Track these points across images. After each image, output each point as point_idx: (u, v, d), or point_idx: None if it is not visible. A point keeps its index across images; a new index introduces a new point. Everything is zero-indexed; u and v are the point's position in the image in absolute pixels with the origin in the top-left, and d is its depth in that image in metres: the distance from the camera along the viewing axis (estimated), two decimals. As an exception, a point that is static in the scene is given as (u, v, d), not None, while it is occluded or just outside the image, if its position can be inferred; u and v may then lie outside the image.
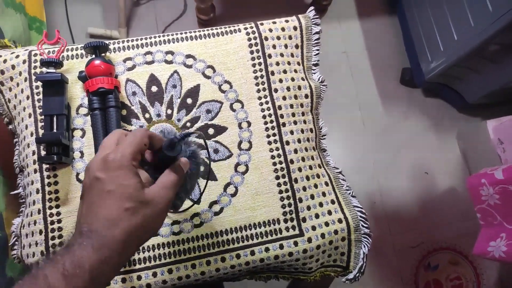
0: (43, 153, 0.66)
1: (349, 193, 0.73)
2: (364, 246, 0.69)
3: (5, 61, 0.70)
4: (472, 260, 1.46)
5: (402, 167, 1.54)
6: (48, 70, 0.65)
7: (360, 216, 0.70)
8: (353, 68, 1.62)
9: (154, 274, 0.64)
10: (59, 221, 0.65)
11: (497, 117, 1.33)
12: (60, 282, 0.31)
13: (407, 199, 1.51)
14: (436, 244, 1.47)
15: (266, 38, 0.74)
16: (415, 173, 1.54)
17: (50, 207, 0.65)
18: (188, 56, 0.72)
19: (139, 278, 0.63)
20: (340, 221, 0.69)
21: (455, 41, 1.26)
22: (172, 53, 0.72)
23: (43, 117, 0.66)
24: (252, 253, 0.65)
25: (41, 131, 0.67)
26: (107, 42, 0.69)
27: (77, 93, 0.70)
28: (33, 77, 0.69)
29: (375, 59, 1.64)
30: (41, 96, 0.68)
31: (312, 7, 0.78)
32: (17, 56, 0.70)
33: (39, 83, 0.69)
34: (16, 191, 0.73)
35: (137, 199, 0.37)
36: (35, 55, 0.70)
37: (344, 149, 1.55)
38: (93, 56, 0.67)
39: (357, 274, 0.69)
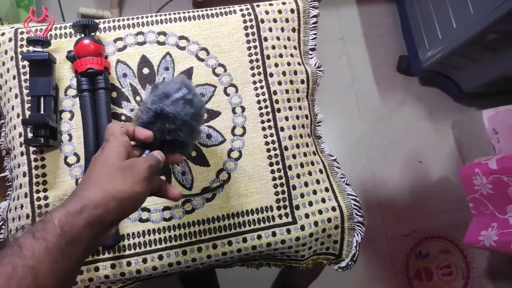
0: (30, 135, 0.64)
1: (344, 181, 0.72)
2: (358, 235, 0.68)
3: (-10, 38, 0.67)
4: (463, 248, 1.47)
5: (396, 155, 1.54)
6: (35, 49, 0.62)
7: (354, 205, 0.69)
8: (349, 55, 1.60)
9: (144, 260, 0.63)
10: (46, 206, 0.63)
11: (492, 107, 1.32)
12: (30, 240, 0.32)
13: (400, 188, 1.52)
14: (427, 233, 1.48)
15: (262, 21, 0.72)
16: (409, 161, 1.54)
17: (38, 191, 0.63)
18: (181, 37, 0.70)
19: (128, 264, 0.62)
20: (333, 209, 0.68)
21: (454, 29, 1.24)
22: (164, 34, 0.70)
23: (30, 98, 0.63)
24: (244, 240, 0.64)
25: (27, 113, 0.65)
26: (97, 21, 0.66)
27: (65, 74, 0.67)
28: (20, 56, 0.66)
29: (372, 46, 1.62)
30: (28, 76, 0.66)
31: (310, -11, 0.76)
32: (3, 34, 0.68)
33: (26, 63, 0.66)
34: (2, 174, 0.71)
35: (114, 165, 0.41)
36: (22, 33, 0.68)
37: (338, 137, 1.54)
38: (82, 35, 0.65)
39: (350, 262, 0.68)
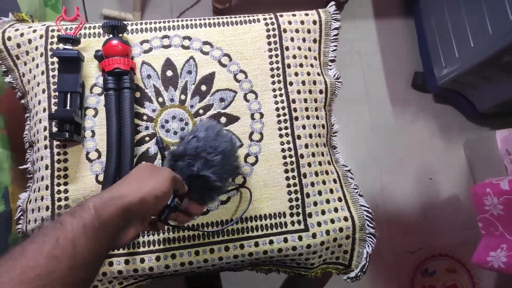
0: (54, 129, 0.66)
1: (357, 192, 0.73)
2: (368, 246, 0.69)
3: (22, 34, 0.70)
4: (470, 268, 1.46)
5: (407, 171, 1.54)
6: (65, 47, 0.65)
7: (366, 216, 0.70)
8: (365, 68, 1.61)
9: (158, 258, 0.64)
10: (66, 199, 0.65)
11: (506, 127, 1.32)
12: (69, 218, 0.37)
13: (409, 203, 1.51)
14: (434, 251, 1.47)
15: (285, 30, 0.73)
16: (419, 178, 1.54)
17: (58, 184, 0.65)
18: (205, 42, 0.72)
19: (142, 261, 0.63)
20: (346, 219, 0.68)
21: (471, 48, 1.25)
22: (189, 38, 0.72)
23: (56, 93, 0.66)
24: (256, 244, 0.65)
25: (53, 108, 0.67)
26: (125, 23, 0.68)
27: (92, 72, 0.69)
28: (49, 53, 0.69)
29: (388, 61, 1.62)
30: (56, 73, 0.68)
31: (333, 2, 0.78)
32: (34, 31, 0.70)
33: (55, 59, 0.68)
34: (24, 166, 0.73)
35: (146, 168, 0.49)
36: (53, 30, 0.70)
37: (350, 148, 1.54)
38: (111, 36, 0.67)
39: (359, 273, 0.69)
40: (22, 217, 0.69)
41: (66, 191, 0.65)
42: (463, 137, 1.56)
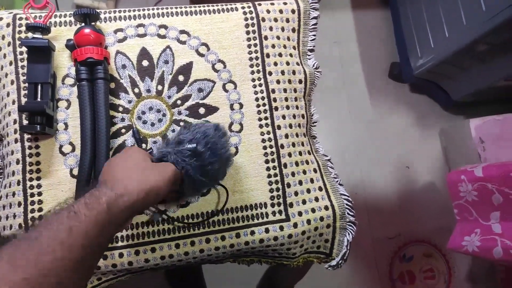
0: (25, 122, 0.63)
1: (337, 181, 0.73)
2: (349, 234, 0.69)
3: (-13, 23, 0.66)
4: (445, 253, 1.50)
5: (385, 159, 1.57)
6: (34, 36, 0.61)
7: (346, 204, 0.70)
8: (343, 59, 1.62)
9: (137, 252, 0.62)
10: (39, 194, 0.62)
11: (480, 116, 1.36)
12: (83, 208, 0.39)
13: (387, 191, 1.54)
14: (412, 237, 1.51)
15: (263, 19, 0.72)
16: (396, 166, 1.57)
17: (31, 179, 0.63)
18: (182, 31, 0.70)
19: (121, 255, 0.62)
20: (326, 208, 0.69)
21: (446, 38, 1.27)
22: (165, 27, 0.70)
23: (26, 84, 0.63)
24: (238, 235, 0.65)
25: (23, 100, 0.64)
26: (98, 11, 0.66)
27: (63, 62, 0.67)
28: (17, 42, 0.65)
29: (365, 52, 1.64)
30: (25, 63, 0.65)
31: (311, -9, 0.77)
32: (1, 19, 0.67)
33: (24, 49, 0.65)
34: (-7, 161, 0.70)
35: (145, 162, 0.50)
36: (20, 19, 0.67)
37: (329, 138, 1.56)
38: (83, 24, 0.64)
39: (340, 261, 0.69)
40: (-7, 214, 0.66)
41: (39, 186, 0.63)
42: (438, 126, 1.60)
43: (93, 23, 0.66)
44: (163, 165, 0.51)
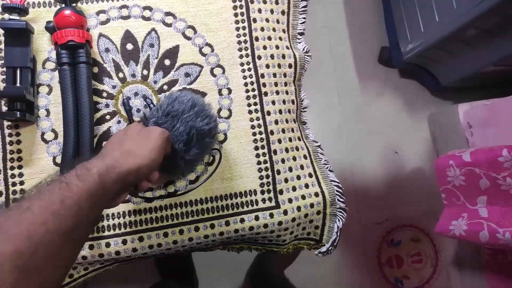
0: (4, 109, 0.61)
1: (327, 167, 0.72)
2: (339, 220, 0.69)
3: (-40, 3, 0.63)
4: (433, 237, 1.52)
5: (374, 144, 1.57)
6: (11, 17, 0.58)
7: (337, 191, 0.70)
8: (332, 43, 1.60)
9: (124, 242, 0.61)
10: (21, 183, 0.60)
11: (468, 101, 1.36)
12: (74, 179, 0.39)
13: (376, 177, 1.55)
14: (400, 221, 1.52)
15: (252, 1, 0.70)
16: (385, 151, 1.57)
17: (12, 168, 0.60)
18: (168, 13, 0.67)
19: (107, 245, 0.61)
20: (316, 194, 0.68)
21: (436, 22, 1.26)
22: (150, 8, 0.67)
23: (4, 69, 0.60)
24: (227, 223, 0.64)
25: (1, 85, 0.62)
26: (79, -9, 0.63)
27: (43, 46, 0.64)
28: (-6, 24, 0.62)
29: (355, 36, 1.62)
30: (2, 46, 0.62)
31: (301, -28, 0.75)
32: (-25, -1, 0.63)
33: (1, 31, 0.62)
34: (-28, 149, 0.67)
35: (134, 132, 0.50)
36: (-4, -1, 0.63)
37: (318, 124, 1.55)
38: (63, 5, 0.61)
39: (330, 248, 0.69)
40: (-27, 204, 0.64)
41: (21, 174, 0.60)
42: (427, 111, 1.60)
43: (73, 4, 0.63)
44: (153, 133, 0.50)
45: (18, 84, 0.59)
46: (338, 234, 0.69)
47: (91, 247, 0.60)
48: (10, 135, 0.61)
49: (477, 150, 1.08)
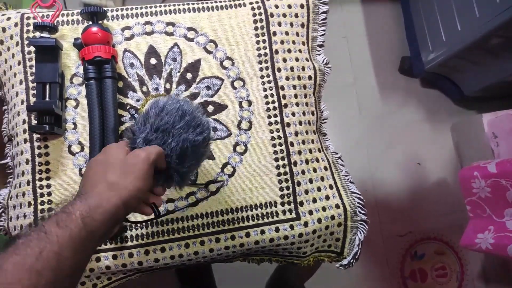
0: (34, 122, 0.63)
1: (348, 179, 0.72)
2: (360, 233, 0.68)
3: (-5, 23, 0.66)
4: (457, 250, 1.48)
5: (395, 156, 1.54)
6: (42, 35, 0.61)
7: (358, 203, 0.69)
8: (352, 54, 1.60)
9: (147, 252, 0.62)
10: (49, 194, 0.62)
11: (492, 111, 1.33)
12: (54, 228, 0.36)
13: (398, 188, 1.52)
14: (423, 234, 1.49)
15: (272, 15, 0.71)
16: (407, 162, 1.55)
17: (40, 179, 0.63)
18: (190, 28, 0.69)
19: (130, 255, 0.62)
20: (337, 206, 0.68)
21: (458, 31, 1.25)
22: (173, 24, 0.69)
23: (35, 84, 0.63)
24: (248, 235, 0.64)
25: (32, 99, 0.64)
26: (105, 8, 0.65)
27: (71, 61, 0.66)
28: (26, 42, 0.65)
29: (375, 46, 1.61)
30: (33, 62, 0.65)
31: (320, -15, 0.76)
32: (9, 18, 0.67)
33: (32, 48, 0.65)
34: (3, 161, 0.70)
35: (118, 162, 0.44)
36: (28, 18, 0.66)
37: (338, 135, 1.54)
38: (90, 22, 0.64)
39: (351, 261, 0.68)
40: (3, 214, 0.67)
41: (48, 186, 0.63)
42: (450, 121, 1.57)
43: (100, 22, 0.65)
44: (137, 159, 0.44)
45: (47, 99, 0.61)
46: (360, 247, 0.69)
47: (114, 257, 0.62)
48: (39, 147, 0.63)
49: (503, 161, 1.06)
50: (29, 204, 0.62)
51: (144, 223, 0.63)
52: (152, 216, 0.50)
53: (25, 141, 0.63)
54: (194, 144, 0.50)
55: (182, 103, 0.50)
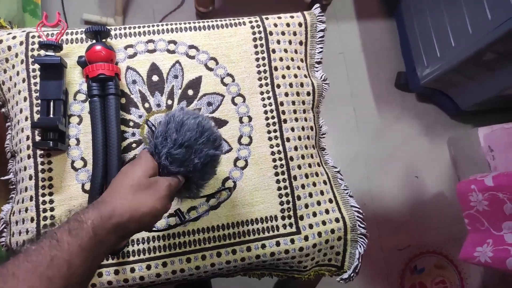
0: (37, 138, 0.64)
1: (347, 193, 0.73)
2: (360, 246, 0.69)
3: (0, 41, 0.68)
4: (457, 264, 1.48)
5: (393, 170, 1.56)
6: (47, 53, 0.63)
7: (357, 216, 0.70)
8: (349, 69, 1.63)
9: (148, 267, 0.62)
10: (51, 209, 0.63)
11: (488, 125, 1.35)
12: (66, 236, 0.36)
13: (396, 202, 1.53)
14: (423, 248, 1.49)
15: (271, 33, 0.73)
16: (405, 176, 1.56)
17: (43, 195, 0.63)
18: (191, 46, 0.71)
19: (132, 270, 0.62)
20: (337, 220, 0.68)
21: (452, 47, 1.27)
22: (174, 42, 0.71)
23: (39, 101, 0.64)
24: (249, 249, 0.65)
25: (36, 116, 0.65)
26: (109, 28, 0.67)
27: (75, 79, 0.68)
28: (30, 60, 0.67)
29: (371, 62, 1.64)
30: (37, 80, 0.66)
31: (318, 4, 0.78)
32: (14, 37, 0.68)
33: (36, 66, 0.66)
34: (6, 177, 0.70)
35: (140, 181, 0.45)
36: (33, 37, 0.68)
37: (336, 149, 1.55)
38: (94, 41, 0.65)
39: (352, 274, 0.69)
40: (5, 229, 0.67)
41: (51, 201, 0.63)
42: (446, 135, 1.59)
43: (104, 40, 0.67)
44: (157, 182, 0.46)
45: (51, 115, 0.62)
46: (360, 261, 0.69)
47: (116, 272, 0.62)
48: (42, 163, 0.64)
49: (499, 174, 1.07)
50: (32, 220, 0.62)
51: (145, 238, 0.63)
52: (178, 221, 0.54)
53: (29, 157, 0.64)
54: (214, 158, 0.52)
55: (200, 118, 0.51)
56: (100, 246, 0.38)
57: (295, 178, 0.68)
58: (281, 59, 0.73)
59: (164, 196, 0.46)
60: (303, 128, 0.72)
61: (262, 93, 0.71)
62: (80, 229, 0.37)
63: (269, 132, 0.70)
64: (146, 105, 0.68)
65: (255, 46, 0.72)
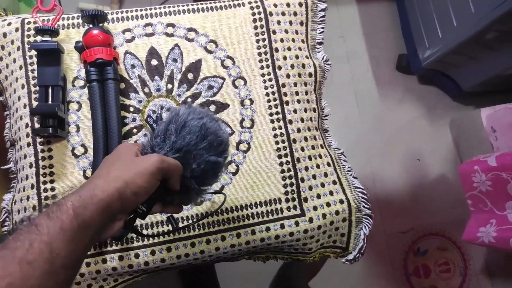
0: (37, 126, 0.63)
1: (351, 174, 0.72)
2: (365, 227, 0.69)
3: (-5, 28, 0.66)
4: (460, 245, 1.49)
5: (395, 152, 1.55)
6: (44, 39, 0.61)
7: (362, 197, 0.69)
8: (349, 53, 1.61)
9: (153, 252, 0.62)
10: (53, 197, 0.62)
11: (490, 105, 1.34)
12: (45, 220, 0.34)
13: (398, 185, 1.53)
14: (425, 230, 1.49)
15: (271, 14, 0.72)
16: (407, 159, 1.55)
17: (44, 182, 0.63)
18: (190, 29, 0.69)
19: (136, 256, 0.62)
20: (341, 201, 0.68)
21: (454, 27, 1.26)
22: (173, 25, 0.69)
23: (37, 88, 0.63)
24: (253, 232, 0.64)
25: (34, 103, 0.64)
26: (105, 11, 0.65)
27: (73, 65, 0.66)
28: (27, 46, 0.66)
29: (371, 45, 1.62)
30: (35, 67, 0.65)
31: (318, -17, 0.76)
32: (9, 24, 0.67)
33: (33, 53, 0.65)
34: (6, 166, 0.70)
35: (125, 157, 0.44)
36: (29, 23, 0.67)
37: (338, 133, 1.54)
38: (91, 25, 0.64)
39: (357, 255, 0.69)
40: (7, 218, 0.67)
41: (53, 189, 0.63)
42: (448, 117, 1.58)
43: (101, 24, 0.65)
44: (143, 158, 0.44)
45: (50, 102, 0.61)
46: (365, 241, 0.69)
47: (120, 258, 0.62)
48: (43, 151, 0.63)
49: (503, 154, 1.06)
50: (34, 208, 0.62)
51: (149, 224, 0.63)
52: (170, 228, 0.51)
53: (29, 145, 0.63)
54: (215, 166, 0.48)
55: (205, 119, 0.47)
56: (84, 228, 0.36)
57: (298, 160, 0.68)
58: (282, 40, 0.71)
59: (150, 172, 0.42)
60: (305, 110, 0.71)
61: (263, 75, 0.70)
62: (60, 212, 0.35)
63: (271, 114, 0.69)
64: (146, 90, 0.67)
65: (255, 28, 0.71)
